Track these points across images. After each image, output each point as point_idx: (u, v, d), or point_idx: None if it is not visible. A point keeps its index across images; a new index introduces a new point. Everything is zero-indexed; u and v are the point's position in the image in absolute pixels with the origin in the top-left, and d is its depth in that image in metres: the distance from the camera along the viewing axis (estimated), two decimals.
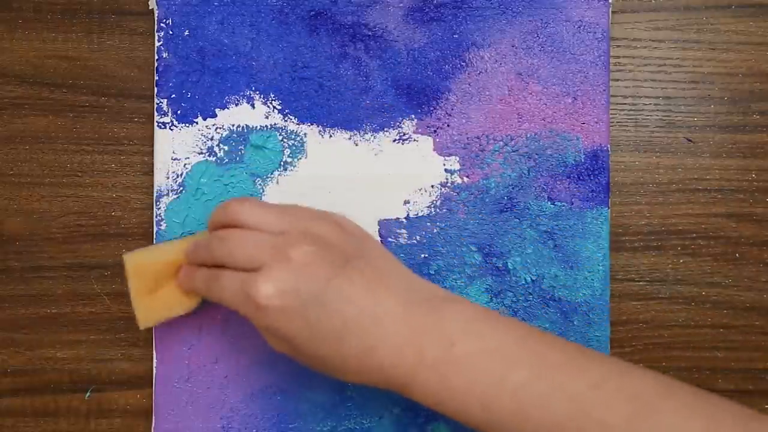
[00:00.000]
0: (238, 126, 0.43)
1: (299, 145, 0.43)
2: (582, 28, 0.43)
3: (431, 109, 0.43)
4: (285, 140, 0.43)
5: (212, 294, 0.36)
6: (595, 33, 0.43)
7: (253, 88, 0.43)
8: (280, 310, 0.33)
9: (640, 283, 0.44)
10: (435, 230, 0.43)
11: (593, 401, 0.31)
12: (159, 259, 0.39)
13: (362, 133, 0.43)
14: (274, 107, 0.43)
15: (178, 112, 0.43)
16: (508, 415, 0.32)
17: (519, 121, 0.43)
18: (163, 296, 0.39)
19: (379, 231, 0.43)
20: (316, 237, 0.34)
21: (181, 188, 0.42)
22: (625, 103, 0.44)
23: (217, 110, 0.43)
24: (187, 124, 0.43)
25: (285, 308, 0.33)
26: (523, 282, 0.42)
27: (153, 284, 0.39)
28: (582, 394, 0.31)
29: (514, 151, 0.43)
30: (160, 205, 0.42)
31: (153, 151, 0.43)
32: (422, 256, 0.43)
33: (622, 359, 0.34)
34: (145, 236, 0.43)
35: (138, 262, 0.39)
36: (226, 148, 0.43)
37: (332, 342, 0.33)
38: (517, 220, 0.43)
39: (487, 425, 0.32)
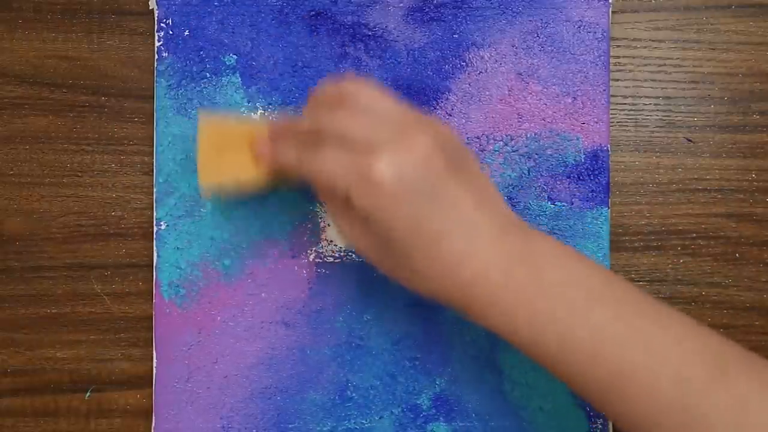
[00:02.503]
0: None
1: None
2: (582, 28, 0.43)
3: (431, 109, 0.43)
4: None
5: (306, 167, 0.33)
6: (595, 33, 0.43)
7: (254, 88, 0.43)
8: (393, 194, 0.31)
9: (640, 283, 0.44)
10: None
11: (672, 354, 0.30)
12: (237, 125, 0.37)
13: None
14: (275, 107, 0.43)
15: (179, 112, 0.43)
16: (582, 352, 0.31)
17: (519, 121, 0.43)
18: (233, 159, 0.37)
19: None
20: (436, 133, 0.33)
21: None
22: (625, 103, 0.44)
23: (217, 111, 0.43)
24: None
25: (398, 193, 0.31)
26: None
27: (225, 145, 0.37)
28: (661, 345, 0.31)
29: (514, 151, 0.43)
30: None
31: (153, 151, 0.43)
32: None
33: (701, 324, 0.33)
34: (145, 236, 0.43)
35: (213, 123, 0.37)
36: None
37: (429, 242, 0.32)
38: None
39: (557, 360, 0.32)
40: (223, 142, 0.37)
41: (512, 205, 0.43)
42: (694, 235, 0.44)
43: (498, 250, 0.32)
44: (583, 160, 0.43)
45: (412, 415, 0.42)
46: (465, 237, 0.32)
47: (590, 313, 0.31)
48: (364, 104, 0.33)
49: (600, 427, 0.42)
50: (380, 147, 0.31)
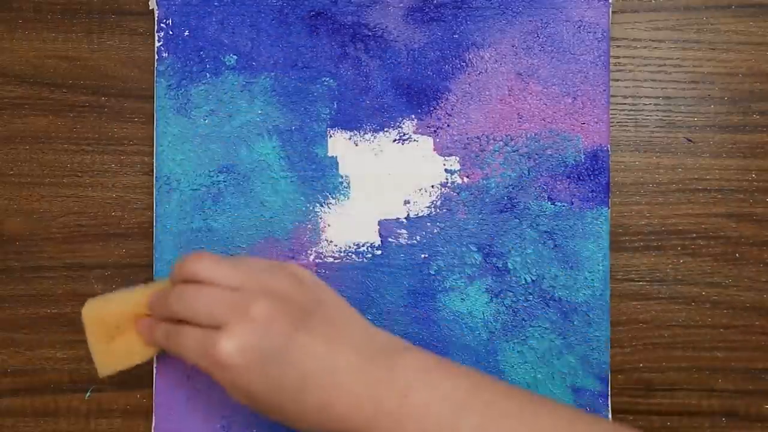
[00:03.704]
0: (239, 126, 0.43)
1: None
2: (582, 28, 0.43)
3: (431, 109, 0.43)
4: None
5: (172, 348, 0.36)
6: (595, 33, 0.43)
7: (254, 89, 0.43)
8: (242, 367, 0.33)
9: (640, 283, 0.44)
10: (435, 230, 0.43)
11: None
12: (118, 308, 0.38)
13: (362, 133, 0.43)
14: (274, 107, 0.43)
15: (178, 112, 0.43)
16: None
17: (519, 121, 0.43)
18: (122, 344, 0.39)
19: (379, 231, 0.43)
20: (273, 291, 0.35)
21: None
22: (625, 103, 0.44)
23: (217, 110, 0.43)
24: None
25: (246, 365, 0.33)
26: (523, 282, 0.42)
27: (112, 332, 0.38)
28: None
29: (514, 151, 0.43)
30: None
31: (153, 151, 0.43)
32: (422, 256, 0.43)
33: (572, 407, 0.35)
34: (145, 236, 0.43)
35: (96, 312, 0.38)
36: None
37: (292, 395, 0.34)
38: (517, 220, 0.43)
39: None
40: (110, 329, 0.38)
41: (512, 205, 0.43)
42: (694, 235, 0.44)
43: (363, 381, 0.34)
44: (583, 160, 0.43)
45: None
46: (325, 384, 0.34)
47: (459, 426, 0.33)
48: (204, 279, 0.36)
49: None
50: (221, 325, 0.34)
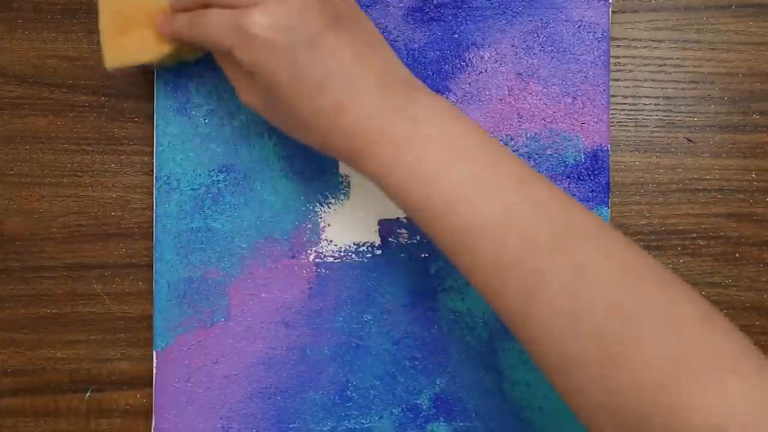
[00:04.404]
0: (239, 126, 0.43)
1: None
2: (582, 28, 0.43)
3: None
4: None
5: (195, 30, 0.36)
6: (595, 33, 0.43)
7: None
8: (270, 43, 0.33)
9: None
10: None
11: (523, 214, 0.31)
12: (136, 2, 0.38)
13: None
14: None
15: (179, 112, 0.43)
16: (441, 205, 0.32)
17: (519, 121, 0.43)
18: (135, 38, 0.38)
19: (379, 231, 0.43)
20: None
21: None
22: (625, 103, 0.44)
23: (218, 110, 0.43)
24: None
25: (275, 43, 0.33)
26: None
27: (126, 23, 0.38)
28: (515, 204, 0.31)
29: (514, 151, 0.43)
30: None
31: (153, 151, 0.43)
32: (422, 256, 0.43)
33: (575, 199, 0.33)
34: (145, 236, 0.43)
35: (113, 1, 0.38)
36: None
37: (309, 92, 0.33)
38: None
39: (420, 211, 0.33)
40: (125, 19, 0.38)
41: None
42: (694, 235, 0.44)
43: (377, 100, 0.33)
44: (583, 160, 0.43)
45: (412, 415, 0.42)
46: (344, 87, 0.33)
47: (452, 169, 0.32)
48: None
49: None
50: (257, 2, 0.33)
